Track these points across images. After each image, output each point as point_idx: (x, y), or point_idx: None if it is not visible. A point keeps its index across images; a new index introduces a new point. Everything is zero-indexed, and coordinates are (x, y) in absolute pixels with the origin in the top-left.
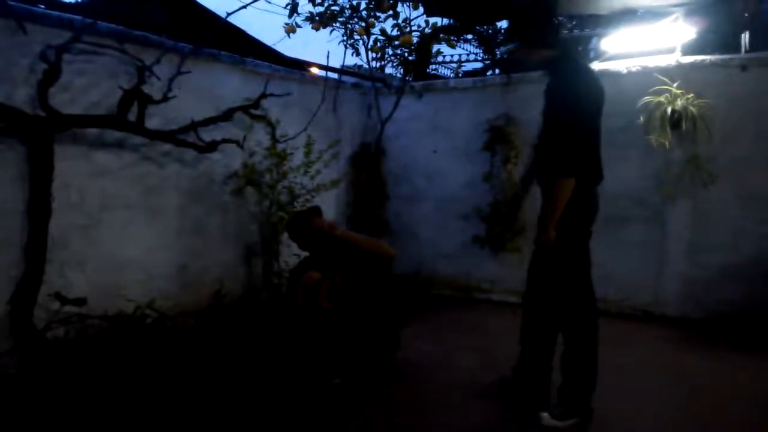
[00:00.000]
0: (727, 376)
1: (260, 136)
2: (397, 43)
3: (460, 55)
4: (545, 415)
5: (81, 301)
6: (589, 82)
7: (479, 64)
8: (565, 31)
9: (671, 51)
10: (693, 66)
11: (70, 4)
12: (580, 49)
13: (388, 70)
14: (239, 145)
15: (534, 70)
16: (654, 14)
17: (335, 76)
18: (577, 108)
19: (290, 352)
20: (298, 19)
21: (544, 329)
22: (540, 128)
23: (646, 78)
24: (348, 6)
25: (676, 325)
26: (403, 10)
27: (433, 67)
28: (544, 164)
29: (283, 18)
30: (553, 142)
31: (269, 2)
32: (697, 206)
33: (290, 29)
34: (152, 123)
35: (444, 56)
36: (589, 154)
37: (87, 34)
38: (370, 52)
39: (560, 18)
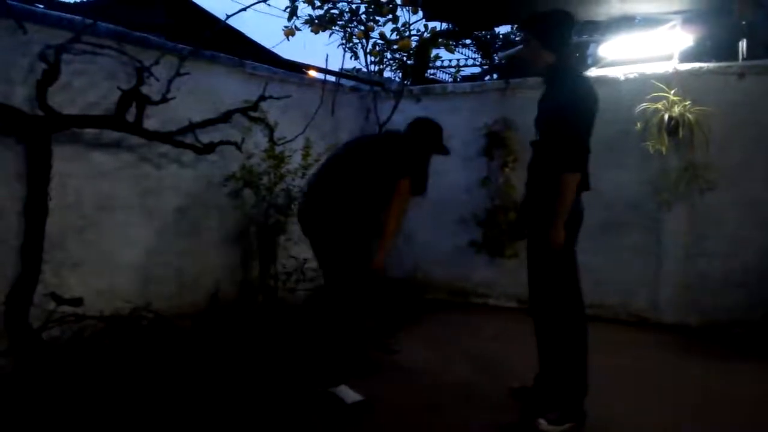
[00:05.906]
0: (723, 381)
1: (258, 138)
2: (396, 47)
3: (458, 59)
4: (542, 421)
5: (77, 301)
6: (587, 91)
7: (477, 69)
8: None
9: (669, 58)
10: (690, 73)
11: (70, 4)
12: (577, 55)
13: (387, 74)
14: (237, 147)
15: (531, 75)
16: (652, 21)
17: (334, 79)
18: (579, 111)
19: (286, 355)
20: (298, 22)
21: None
22: (535, 135)
23: (643, 85)
24: (347, 9)
25: (672, 332)
26: (403, 15)
27: (432, 71)
28: (543, 164)
29: (282, 21)
30: (553, 142)
31: (269, 5)
32: (693, 213)
33: (289, 32)
34: (150, 124)
35: (442, 61)
36: (586, 156)
37: (86, 35)
38: (368, 56)
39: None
